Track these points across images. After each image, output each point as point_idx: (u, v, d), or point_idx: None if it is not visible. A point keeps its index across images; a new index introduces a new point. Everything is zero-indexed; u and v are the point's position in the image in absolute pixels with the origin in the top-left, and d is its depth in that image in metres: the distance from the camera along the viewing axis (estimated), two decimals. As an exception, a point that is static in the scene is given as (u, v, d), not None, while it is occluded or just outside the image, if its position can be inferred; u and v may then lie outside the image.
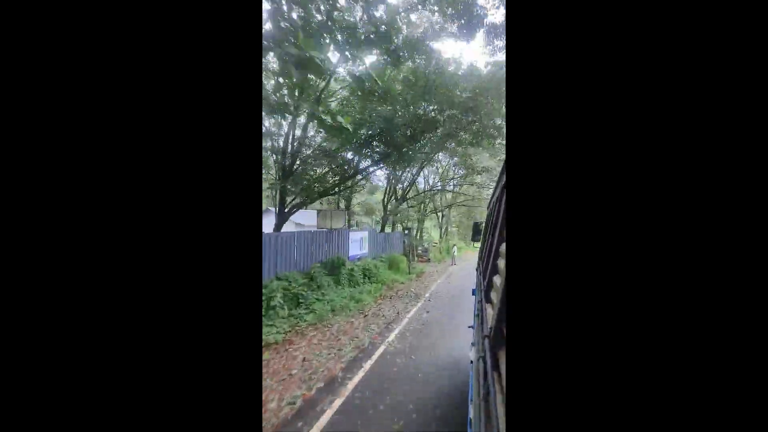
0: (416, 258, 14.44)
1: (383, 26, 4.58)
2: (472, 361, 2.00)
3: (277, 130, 8.00)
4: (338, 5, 4.00)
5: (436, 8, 5.64)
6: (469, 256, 21.70)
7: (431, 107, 7.96)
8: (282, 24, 3.25)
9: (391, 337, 5.10)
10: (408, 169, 14.46)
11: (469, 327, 3.70)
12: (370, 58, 6.94)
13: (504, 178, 1.71)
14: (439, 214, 22.51)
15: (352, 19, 4.75)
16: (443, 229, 23.99)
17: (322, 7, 3.64)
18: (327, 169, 8.56)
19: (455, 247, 15.40)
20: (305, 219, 15.78)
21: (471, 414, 1.51)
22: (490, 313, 1.36)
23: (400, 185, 15.37)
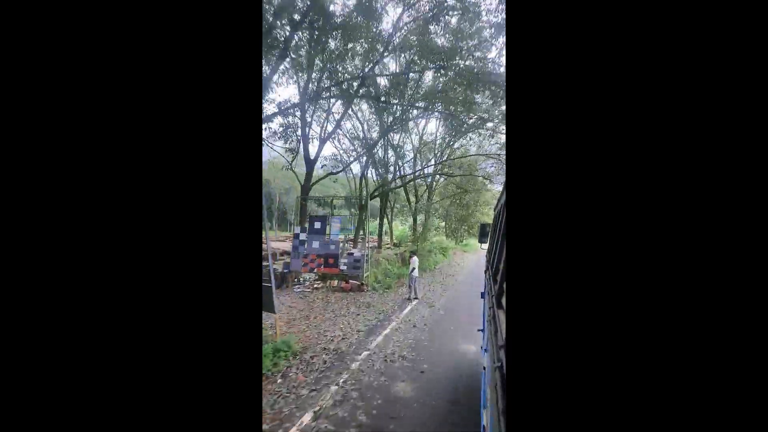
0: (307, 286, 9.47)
1: None
2: (485, 368, 1.92)
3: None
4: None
5: None
6: (463, 261, 17.29)
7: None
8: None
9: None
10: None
11: (479, 330, 3.73)
12: None
13: None
14: (413, 200, 19.07)
15: None
16: (422, 221, 20.04)
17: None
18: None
19: (414, 259, 8.86)
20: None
21: (484, 421, 1.46)
22: (504, 320, 1.48)
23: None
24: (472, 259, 18.25)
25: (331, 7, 7.78)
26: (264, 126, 8.50)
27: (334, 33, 8.03)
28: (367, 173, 14.09)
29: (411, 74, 10.50)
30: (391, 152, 14.26)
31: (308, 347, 4.90)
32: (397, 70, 11.20)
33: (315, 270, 9.02)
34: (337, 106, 12.26)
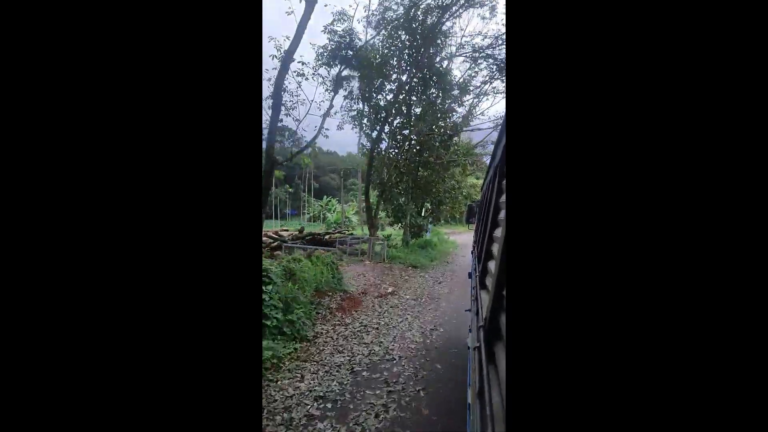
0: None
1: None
2: (469, 348, 1.98)
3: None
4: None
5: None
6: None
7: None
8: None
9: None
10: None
11: (467, 311, 3.69)
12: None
13: (498, 158, 1.71)
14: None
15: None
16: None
17: None
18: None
19: None
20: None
21: (470, 399, 1.49)
22: (486, 300, 1.50)
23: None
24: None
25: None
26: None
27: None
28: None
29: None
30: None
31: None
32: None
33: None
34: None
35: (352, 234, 14.08)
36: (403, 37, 10.15)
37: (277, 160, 9.93)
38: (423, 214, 13.95)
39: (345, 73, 11.18)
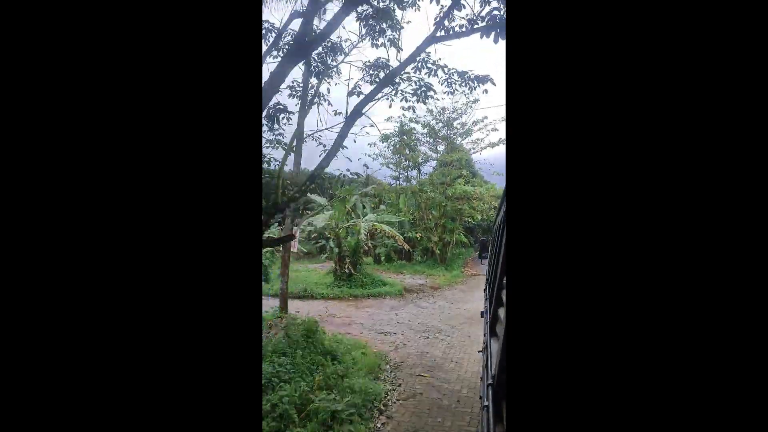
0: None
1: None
2: (481, 398, 1.96)
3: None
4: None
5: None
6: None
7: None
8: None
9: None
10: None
11: (479, 351, 3.56)
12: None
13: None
14: None
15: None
16: None
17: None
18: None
19: None
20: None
21: None
22: (495, 351, 1.43)
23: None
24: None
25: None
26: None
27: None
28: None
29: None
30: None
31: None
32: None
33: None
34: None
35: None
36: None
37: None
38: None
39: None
